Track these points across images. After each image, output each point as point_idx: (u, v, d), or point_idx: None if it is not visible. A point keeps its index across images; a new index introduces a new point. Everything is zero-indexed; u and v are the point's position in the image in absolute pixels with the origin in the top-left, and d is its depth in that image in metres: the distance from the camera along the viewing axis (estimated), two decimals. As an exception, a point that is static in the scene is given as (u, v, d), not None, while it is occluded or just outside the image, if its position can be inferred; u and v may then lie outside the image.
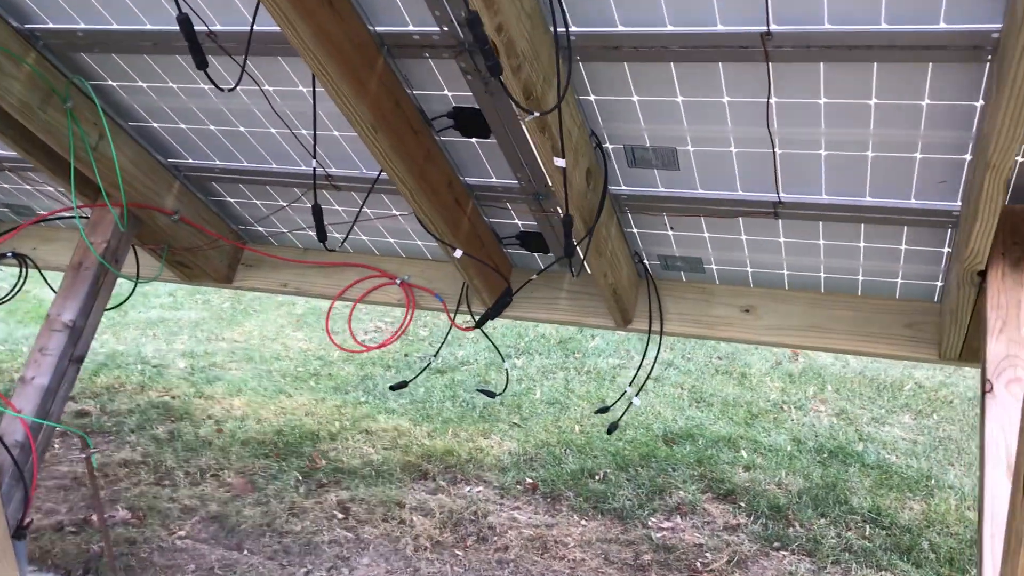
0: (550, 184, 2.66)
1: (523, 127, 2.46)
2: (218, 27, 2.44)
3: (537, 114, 1.72)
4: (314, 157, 2.48)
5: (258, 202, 3.39)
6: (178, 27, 1.87)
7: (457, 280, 3.37)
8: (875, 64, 2.04)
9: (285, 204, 3.31)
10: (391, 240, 3.40)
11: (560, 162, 2.13)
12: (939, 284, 2.77)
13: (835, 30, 1.95)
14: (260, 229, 3.57)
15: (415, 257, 3.48)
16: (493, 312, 2.82)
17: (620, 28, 2.11)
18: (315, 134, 2.41)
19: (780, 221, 2.70)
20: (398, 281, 3.37)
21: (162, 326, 5.88)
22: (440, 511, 3.63)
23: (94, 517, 3.51)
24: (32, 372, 2.88)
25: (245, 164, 3.14)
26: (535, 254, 3.25)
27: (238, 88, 2.72)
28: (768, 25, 1.97)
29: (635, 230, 2.95)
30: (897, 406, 4.08)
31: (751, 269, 3.00)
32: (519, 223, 3.08)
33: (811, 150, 2.37)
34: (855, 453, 3.79)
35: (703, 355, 4.55)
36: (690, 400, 4.17)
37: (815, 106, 2.21)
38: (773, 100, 2.20)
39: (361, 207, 2.71)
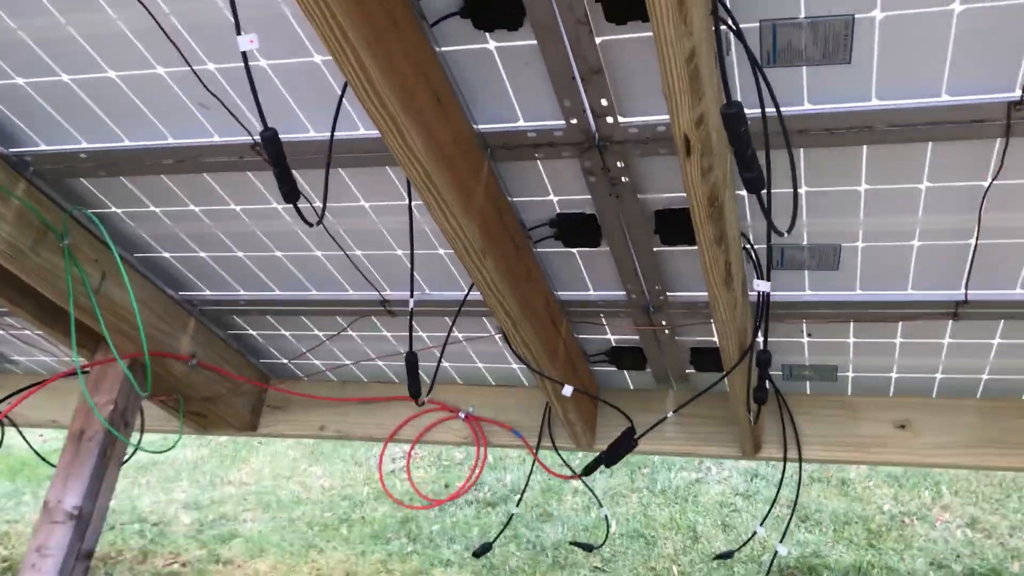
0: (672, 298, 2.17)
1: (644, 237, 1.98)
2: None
3: (785, 234, 1.24)
4: (411, 293, 1.95)
5: (287, 333, 2.84)
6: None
7: (530, 408, 2.84)
8: None
9: (324, 337, 2.77)
10: (446, 364, 2.87)
11: (764, 285, 1.64)
12: None
13: (1112, 92, 1.50)
14: (286, 363, 3.02)
15: (475, 384, 2.95)
16: (609, 458, 2.30)
17: (808, 107, 1.64)
18: (412, 256, 1.89)
19: (951, 322, 2.23)
20: (462, 415, 2.83)
21: (155, 471, 5.02)
22: None
23: None
24: (30, 579, 2.28)
25: (278, 293, 2.61)
26: (624, 371, 2.75)
27: (279, 208, 2.20)
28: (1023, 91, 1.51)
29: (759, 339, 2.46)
30: (1031, 508, 3.59)
31: (895, 375, 2.52)
32: (612, 338, 2.58)
33: (1017, 239, 1.91)
34: (1014, 575, 3.26)
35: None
36: (794, 520, 3.60)
37: (1040, 186, 1.75)
38: (993, 182, 1.74)
39: (448, 335, 2.19)
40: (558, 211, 2.05)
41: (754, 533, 2.61)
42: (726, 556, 2.64)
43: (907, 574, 3.25)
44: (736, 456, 2.60)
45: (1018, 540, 3.44)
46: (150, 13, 1.63)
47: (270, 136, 1.33)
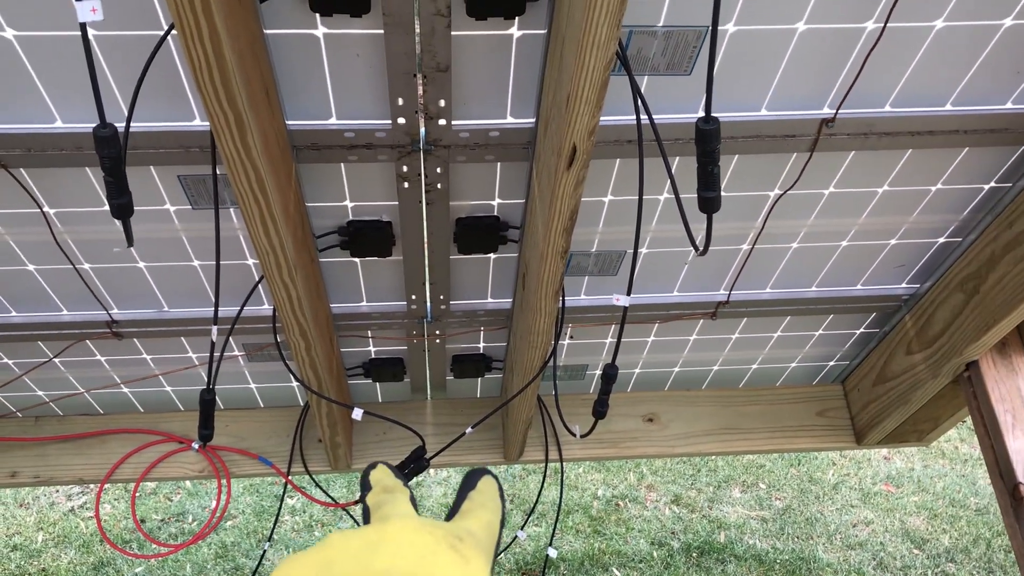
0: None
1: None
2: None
3: (699, 252, 1.18)
4: (215, 319, 1.63)
5: (-36, 364, 2.31)
6: None
7: (272, 432, 2.59)
8: (910, 150, 1.79)
9: (18, 368, 2.29)
10: (168, 389, 2.51)
11: (625, 300, 1.59)
12: (845, 363, 2.64)
13: (900, 114, 1.66)
14: (-45, 399, 2.46)
15: (196, 408, 2.61)
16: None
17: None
18: (217, 268, 1.57)
19: (701, 321, 2.37)
20: (195, 446, 2.49)
21: None
22: None
23: None
24: None
25: (-38, 316, 2.10)
26: (376, 384, 2.59)
27: (-11, 212, 1.76)
28: (837, 110, 1.62)
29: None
30: (718, 479, 3.95)
31: (637, 371, 2.64)
32: (372, 350, 2.42)
33: (782, 244, 2.08)
34: (723, 545, 3.54)
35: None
36: (520, 515, 3.58)
37: (817, 196, 1.91)
38: (786, 192, 1.87)
39: (220, 354, 1.86)
40: (351, 218, 1.85)
41: (515, 538, 2.60)
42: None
43: (635, 556, 3.45)
44: (499, 462, 2.57)
45: (717, 511, 3.80)
46: None
47: (109, 135, 1.02)
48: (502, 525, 0.84)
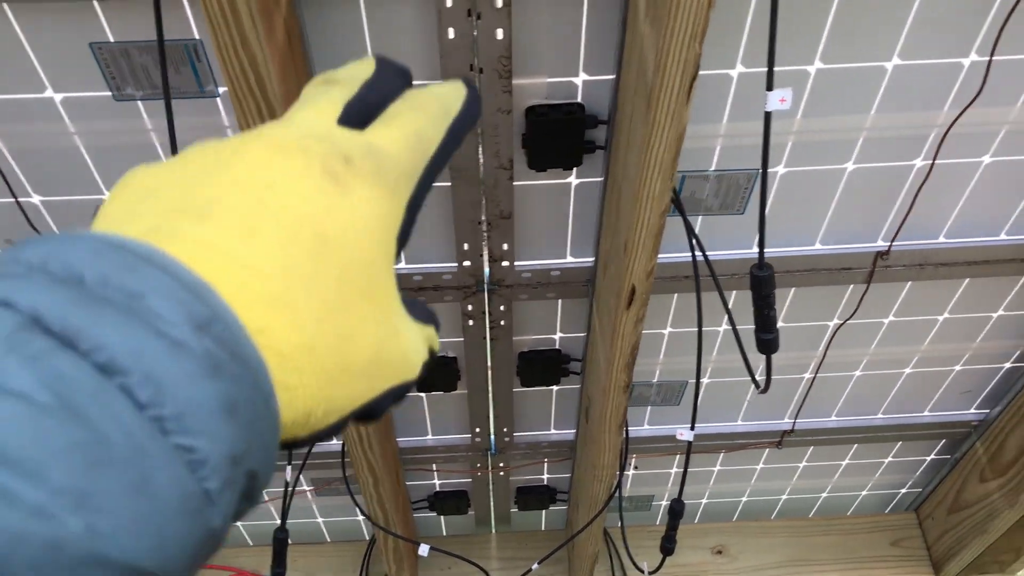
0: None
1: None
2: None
3: (759, 390, 1.22)
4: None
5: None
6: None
7: (334, 564, 2.60)
8: (967, 279, 1.80)
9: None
10: (238, 524, 2.54)
11: (688, 435, 1.61)
12: (917, 491, 2.58)
13: (955, 245, 1.68)
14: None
15: (266, 544, 2.64)
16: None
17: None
18: None
19: (768, 450, 2.36)
20: (264, 581, 2.51)
21: None
22: None
23: None
24: None
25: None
26: (441, 516, 2.60)
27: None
28: (891, 243, 1.65)
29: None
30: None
31: (704, 501, 2.61)
32: (436, 483, 2.44)
33: (845, 372, 2.08)
34: None
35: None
36: None
37: (876, 325, 1.92)
38: (845, 322, 1.88)
39: (292, 490, 1.88)
40: (418, 355, 1.91)
41: None
42: None
43: None
44: (566, 598, 2.53)
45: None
46: None
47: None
48: (453, 140, 0.48)
